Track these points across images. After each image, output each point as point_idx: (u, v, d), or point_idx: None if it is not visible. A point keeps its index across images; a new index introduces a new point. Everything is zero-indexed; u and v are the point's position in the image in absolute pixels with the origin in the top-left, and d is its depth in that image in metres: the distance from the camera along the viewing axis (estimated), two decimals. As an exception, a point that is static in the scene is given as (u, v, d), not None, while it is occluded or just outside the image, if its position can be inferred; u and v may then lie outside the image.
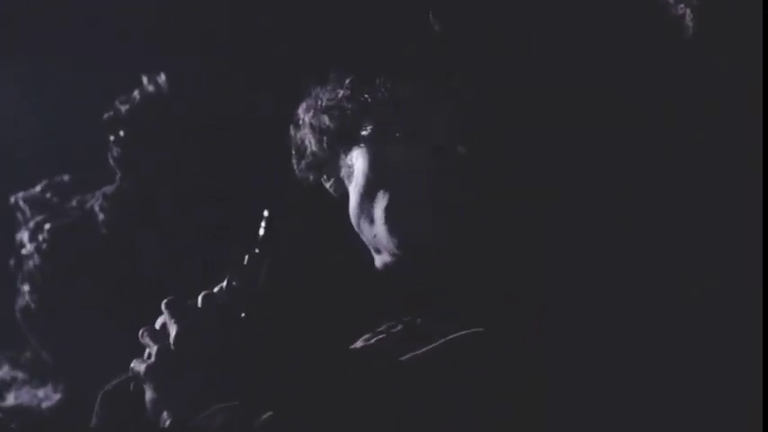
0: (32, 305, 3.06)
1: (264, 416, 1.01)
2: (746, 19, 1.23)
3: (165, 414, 1.08)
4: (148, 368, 1.13)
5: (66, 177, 3.16)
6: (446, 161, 1.19)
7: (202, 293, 1.18)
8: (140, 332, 1.18)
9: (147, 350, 1.18)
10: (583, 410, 1.05)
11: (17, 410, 3.28)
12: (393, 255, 1.23)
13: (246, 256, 1.24)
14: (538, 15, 1.35)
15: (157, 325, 1.20)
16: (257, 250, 1.23)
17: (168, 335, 1.15)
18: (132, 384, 1.18)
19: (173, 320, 1.15)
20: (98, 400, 1.24)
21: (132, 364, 1.17)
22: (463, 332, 1.08)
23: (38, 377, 3.23)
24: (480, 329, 1.08)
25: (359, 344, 1.20)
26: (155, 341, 1.15)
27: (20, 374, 3.60)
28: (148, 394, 1.12)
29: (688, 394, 1.14)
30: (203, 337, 1.13)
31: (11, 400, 3.56)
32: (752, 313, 1.16)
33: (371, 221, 1.24)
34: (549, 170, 1.27)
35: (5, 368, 3.68)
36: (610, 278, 1.21)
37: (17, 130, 3.44)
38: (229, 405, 1.05)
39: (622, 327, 1.13)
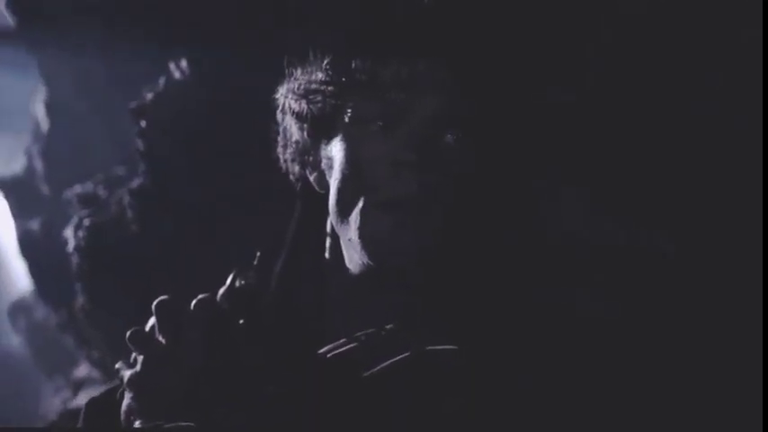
0: (86, 304, 2.98)
1: None
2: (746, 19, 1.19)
3: (137, 422, 1.06)
4: (132, 377, 1.09)
5: (120, 171, 3.05)
6: (429, 154, 1.11)
7: (196, 299, 1.13)
8: (128, 335, 1.12)
9: (134, 355, 1.13)
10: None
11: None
12: (367, 265, 1.15)
13: (257, 255, 1.22)
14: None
15: (148, 327, 1.14)
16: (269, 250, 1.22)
17: (156, 340, 1.11)
18: (119, 393, 1.13)
19: (162, 329, 1.11)
20: (83, 408, 1.19)
21: (117, 366, 1.15)
22: (433, 347, 1.03)
23: (108, 377, 3.15)
24: (452, 347, 1.03)
25: (328, 351, 1.13)
26: (142, 347, 1.11)
27: (96, 374, 3.58)
28: (126, 400, 1.09)
29: (684, 396, 1.10)
30: (192, 351, 1.09)
31: (82, 399, 3.53)
32: (752, 313, 1.13)
33: (347, 224, 1.15)
34: (536, 167, 1.23)
35: (83, 366, 3.66)
36: (602, 284, 1.15)
37: (81, 124, 3.41)
38: (181, 426, 1.02)
39: (613, 336, 1.08)
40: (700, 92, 1.21)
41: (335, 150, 1.17)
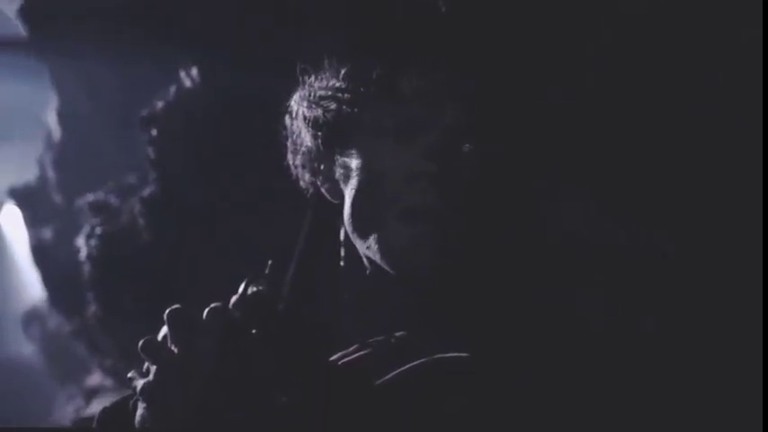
0: (98, 312, 2.99)
1: None
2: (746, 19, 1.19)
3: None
4: (145, 386, 1.06)
5: (132, 178, 3.07)
6: (447, 164, 1.11)
7: (209, 308, 1.10)
8: (140, 344, 1.08)
9: (146, 365, 1.10)
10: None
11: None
12: (386, 271, 1.15)
13: (269, 263, 1.21)
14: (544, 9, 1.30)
15: (160, 336, 1.12)
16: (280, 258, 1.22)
17: (169, 349, 1.08)
18: (131, 403, 1.11)
19: (174, 338, 1.08)
20: (97, 416, 1.17)
21: (130, 375, 1.11)
22: (444, 355, 1.03)
23: (121, 385, 3.17)
24: (462, 354, 1.02)
25: (339, 358, 1.13)
26: (154, 357, 1.08)
27: (108, 382, 3.58)
28: (140, 411, 1.07)
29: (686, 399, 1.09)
30: (204, 360, 1.06)
31: (94, 407, 3.53)
32: (752, 313, 1.13)
33: (365, 233, 1.15)
34: (536, 167, 1.23)
35: (96, 374, 3.67)
36: (610, 291, 1.14)
37: (93, 129, 3.42)
38: None
39: (622, 344, 1.08)
40: (700, 92, 1.21)
41: (352, 160, 1.16)
